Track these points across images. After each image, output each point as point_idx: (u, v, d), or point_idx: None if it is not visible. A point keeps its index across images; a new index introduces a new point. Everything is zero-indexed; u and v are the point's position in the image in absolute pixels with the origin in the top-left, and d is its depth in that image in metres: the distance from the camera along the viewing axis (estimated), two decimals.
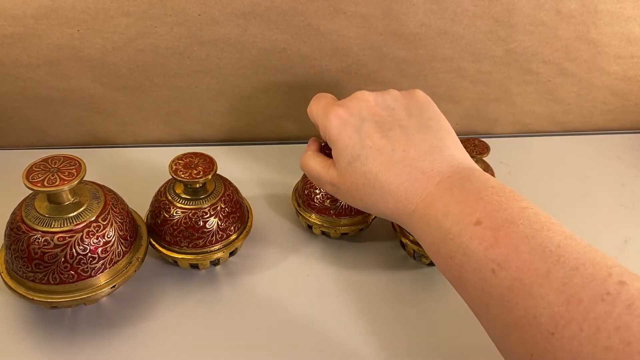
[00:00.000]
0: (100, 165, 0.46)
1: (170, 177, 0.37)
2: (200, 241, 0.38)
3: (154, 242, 0.39)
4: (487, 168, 0.46)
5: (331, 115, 0.35)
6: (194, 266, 0.40)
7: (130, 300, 0.38)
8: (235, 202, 0.40)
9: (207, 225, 0.38)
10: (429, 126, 0.34)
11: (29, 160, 0.33)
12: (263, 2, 0.45)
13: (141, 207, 0.41)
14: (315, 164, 0.37)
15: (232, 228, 0.39)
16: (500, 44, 0.51)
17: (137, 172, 0.50)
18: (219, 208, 0.38)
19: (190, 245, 0.38)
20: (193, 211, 0.38)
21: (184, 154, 0.39)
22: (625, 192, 0.53)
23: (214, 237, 0.38)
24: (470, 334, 0.37)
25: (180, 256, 0.38)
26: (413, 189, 0.31)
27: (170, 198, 0.38)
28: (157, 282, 0.40)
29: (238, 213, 0.40)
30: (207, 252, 0.38)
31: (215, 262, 0.40)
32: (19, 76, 0.47)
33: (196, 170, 0.37)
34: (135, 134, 0.54)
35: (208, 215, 0.38)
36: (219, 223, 0.38)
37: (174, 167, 0.37)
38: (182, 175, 0.37)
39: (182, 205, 0.38)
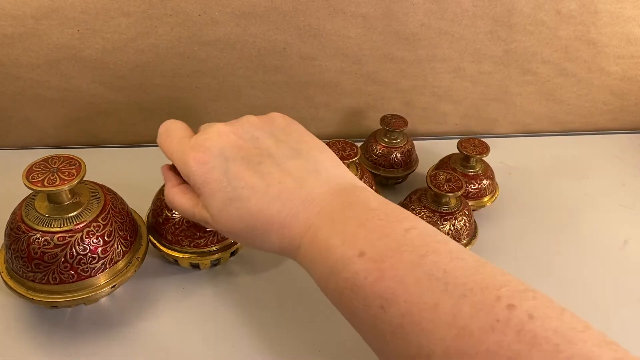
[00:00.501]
0: (100, 165, 0.46)
1: None
2: (201, 240, 0.38)
3: (154, 241, 0.39)
4: (487, 168, 0.46)
5: (190, 162, 0.30)
6: (195, 266, 0.40)
7: (130, 301, 0.38)
8: None
9: None
10: (299, 150, 0.31)
11: (29, 160, 0.33)
12: (263, 2, 0.45)
13: (141, 207, 0.41)
14: (183, 201, 0.33)
15: None
16: (500, 44, 0.51)
17: (137, 172, 0.50)
18: None
19: (191, 245, 0.38)
20: None
21: None
22: (625, 192, 0.53)
23: (216, 237, 0.38)
24: None
25: (181, 255, 0.38)
26: (296, 224, 0.29)
27: None
28: (157, 282, 0.40)
29: None
30: (208, 252, 0.38)
31: (216, 262, 0.40)
32: (19, 76, 0.47)
33: None
34: (135, 134, 0.54)
35: None
36: None
37: None
38: None
39: None
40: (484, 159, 0.45)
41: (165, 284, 0.39)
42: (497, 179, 0.47)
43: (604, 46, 0.53)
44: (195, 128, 0.58)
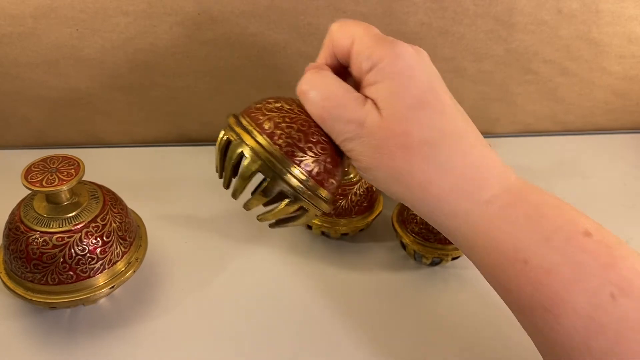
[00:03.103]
0: (100, 165, 0.46)
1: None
2: None
3: None
4: None
5: (400, 45, 0.26)
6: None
7: (129, 301, 0.38)
8: None
9: None
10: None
11: (27, 160, 0.33)
12: (263, 1, 0.45)
13: (141, 207, 0.41)
14: (338, 87, 0.26)
15: None
16: (501, 43, 0.51)
17: (137, 172, 0.50)
18: None
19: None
20: None
21: None
22: (627, 192, 0.52)
23: None
24: (471, 334, 0.37)
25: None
26: (489, 172, 0.25)
27: None
28: (155, 283, 0.39)
29: None
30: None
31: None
32: (18, 76, 0.47)
33: None
34: (134, 133, 0.53)
35: None
36: None
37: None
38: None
39: None
40: None
41: (164, 285, 0.39)
42: None
43: (605, 46, 0.53)
44: (193, 127, 0.58)
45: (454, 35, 0.50)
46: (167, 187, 0.48)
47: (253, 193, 0.29)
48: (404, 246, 0.42)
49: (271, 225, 0.31)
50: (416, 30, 0.49)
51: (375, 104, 0.25)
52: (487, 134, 0.59)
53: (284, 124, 0.27)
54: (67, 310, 0.37)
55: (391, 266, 0.42)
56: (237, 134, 0.28)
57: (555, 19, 0.50)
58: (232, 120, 0.30)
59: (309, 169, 0.27)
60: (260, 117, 0.28)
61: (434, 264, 0.41)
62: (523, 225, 0.24)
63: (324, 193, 0.28)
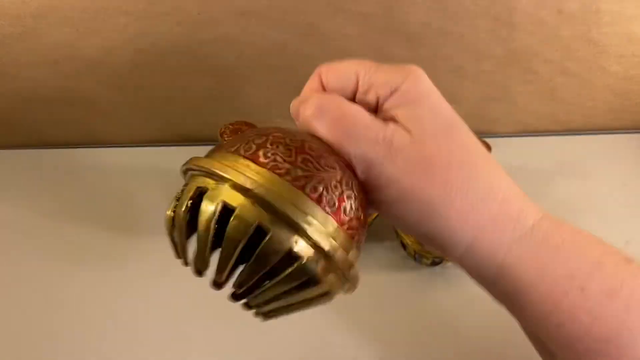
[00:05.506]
0: (100, 165, 0.46)
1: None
2: None
3: None
4: None
5: (416, 67, 0.25)
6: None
7: None
8: None
9: None
10: None
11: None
12: (263, 1, 0.45)
13: (140, 206, 0.41)
14: (352, 105, 0.23)
15: None
16: (501, 43, 0.51)
17: (137, 172, 0.50)
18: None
19: None
20: None
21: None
22: (627, 192, 0.52)
23: None
24: (470, 335, 0.37)
25: None
26: (525, 196, 0.23)
27: None
28: None
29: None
30: None
31: None
32: (18, 75, 0.47)
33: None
34: (134, 133, 0.53)
35: None
36: None
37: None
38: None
39: None
40: None
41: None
42: None
43: (605, 45, 0.53)
44: (193, 127, 0.58)
45: (454, 35, 0.50)
46: (167, 187, 0.48)
47: (233, 265, 0.19)
48: (404, 246, 0.42)
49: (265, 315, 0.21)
50: (416, 30, 0.49)
51: (400, 125, 0.22)
52: (487, 134, 0.59)
53: (287, 151, 0.18)
54: None
55: (391, 266, 0.42)
56: (215, 175, 0.18)
57: (556, 19, 0.50)
58: (199, 163, 0.19)
59: (340, 215, 0.18)
60: (248, 146, 0.18)
61: (434, 264, 0.41)
62: (571, 251, 0.21)
63: (353, 256, 0.19)
